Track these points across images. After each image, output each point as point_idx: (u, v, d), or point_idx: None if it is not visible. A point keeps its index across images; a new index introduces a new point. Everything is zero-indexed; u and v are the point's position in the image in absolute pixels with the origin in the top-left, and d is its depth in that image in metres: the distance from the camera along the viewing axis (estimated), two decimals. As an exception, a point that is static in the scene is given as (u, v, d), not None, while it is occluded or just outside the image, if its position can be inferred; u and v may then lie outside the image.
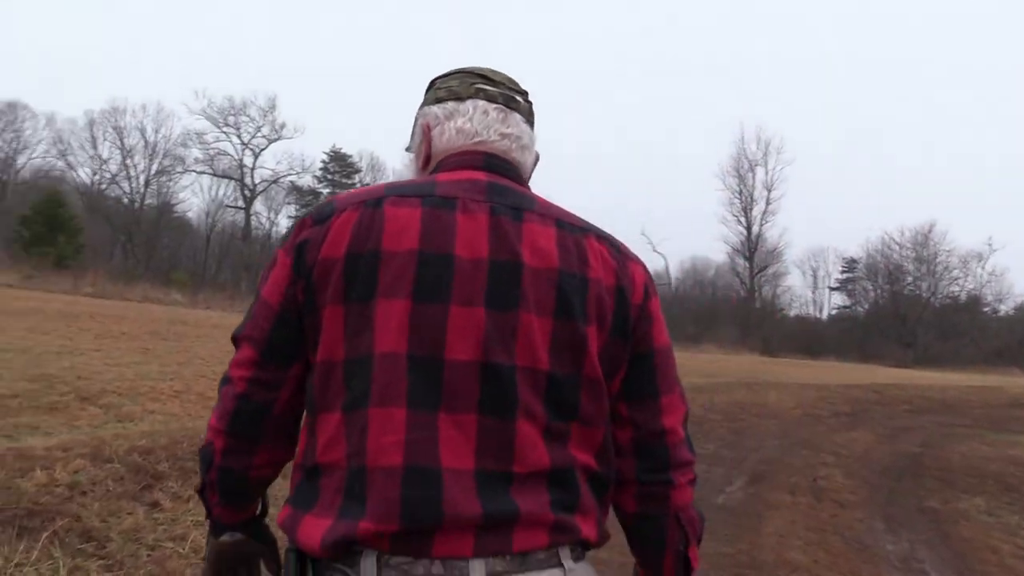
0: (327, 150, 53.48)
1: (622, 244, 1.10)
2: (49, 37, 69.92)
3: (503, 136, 1.11)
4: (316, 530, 0.93)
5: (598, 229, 1.08)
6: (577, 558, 0.98)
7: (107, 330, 10.44)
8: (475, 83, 1.13)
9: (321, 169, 52.96)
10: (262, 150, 50.61)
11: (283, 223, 54.81)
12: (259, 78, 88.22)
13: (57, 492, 3.42)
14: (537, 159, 1.19)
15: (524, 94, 1.17)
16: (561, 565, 0.95)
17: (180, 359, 8.59)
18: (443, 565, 0.90)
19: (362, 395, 0.93)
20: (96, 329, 10.40)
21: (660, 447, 1.05)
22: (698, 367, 17.06)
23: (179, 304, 24.56)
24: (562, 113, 65.18)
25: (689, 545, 1.08)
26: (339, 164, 53.23)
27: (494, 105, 1.12)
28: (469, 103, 1.11)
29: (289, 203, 53.12)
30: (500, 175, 1.07)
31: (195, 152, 49.39)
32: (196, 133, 48.87)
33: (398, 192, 1.01)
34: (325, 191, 53.01)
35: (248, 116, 49.90)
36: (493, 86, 1.13)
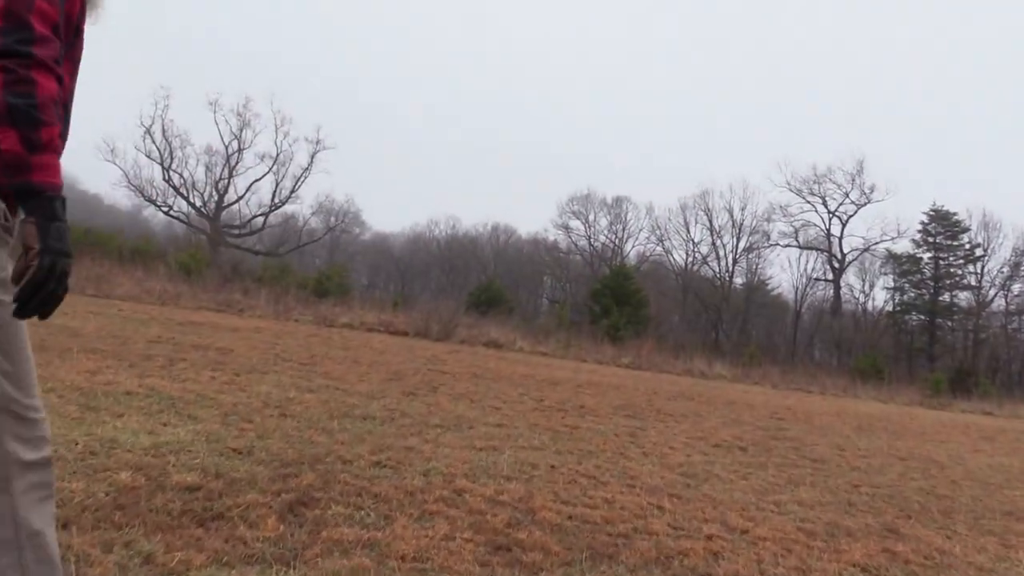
0: (926, 209, 46.68)
1: None
2: (640, 141, 79.19)
3: None
4: None
5: None
6: None
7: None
8: None
9: (920, 232, 46.33)
10: (850, 217, 47.11)
11: (878, 296, 49.62)
12: (843, 140, 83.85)
13: None
14: None
15: None
16: None
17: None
18: None
19: None
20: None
21: None
22: None
23: (722, 378, 23.36)
24: None
25: None
26: (942, 224, 45.74)
27: None
28: None
29: (885, 273, 47.76)
30: None
31: (780, 226, 48.83)
32: (780, 206, 48.40)
33: None
34: (926, 256, 46.18)
35: (833, 182, 47.31)
36: None
